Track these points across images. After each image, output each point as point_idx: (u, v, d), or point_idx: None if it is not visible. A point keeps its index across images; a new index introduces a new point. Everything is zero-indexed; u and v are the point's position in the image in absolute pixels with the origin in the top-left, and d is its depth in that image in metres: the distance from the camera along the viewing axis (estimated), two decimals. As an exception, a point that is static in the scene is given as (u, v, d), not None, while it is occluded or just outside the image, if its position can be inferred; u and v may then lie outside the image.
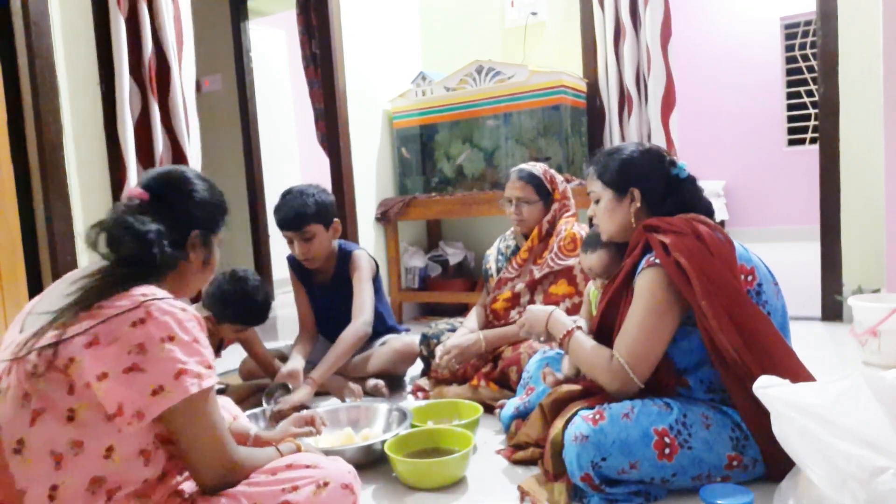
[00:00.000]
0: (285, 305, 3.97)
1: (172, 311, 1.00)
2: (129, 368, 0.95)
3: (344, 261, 2.43)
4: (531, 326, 1.69)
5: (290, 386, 2.09)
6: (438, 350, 2.22)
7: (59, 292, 1.06)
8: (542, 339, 1.70)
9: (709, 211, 1.60)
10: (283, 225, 2.29)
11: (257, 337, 2.27)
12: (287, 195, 2.31)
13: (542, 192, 2.29)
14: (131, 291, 1.01)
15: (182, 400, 0.97)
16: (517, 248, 2.40)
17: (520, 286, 2.30)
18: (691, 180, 1.61)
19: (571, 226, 2.29)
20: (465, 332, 2.33)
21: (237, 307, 1.98)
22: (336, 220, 2.37)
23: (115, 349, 0.96)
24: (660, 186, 1.58)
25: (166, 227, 1.09)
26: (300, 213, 2.25)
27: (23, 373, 0.97)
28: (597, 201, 1.65)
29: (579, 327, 1.60)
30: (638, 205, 1.58)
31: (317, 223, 2.28)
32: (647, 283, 1.45)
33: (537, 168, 2.32)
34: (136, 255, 1.05)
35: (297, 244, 2.30)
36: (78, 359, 0.95)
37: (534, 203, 2.28)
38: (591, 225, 1.81)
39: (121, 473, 0.98)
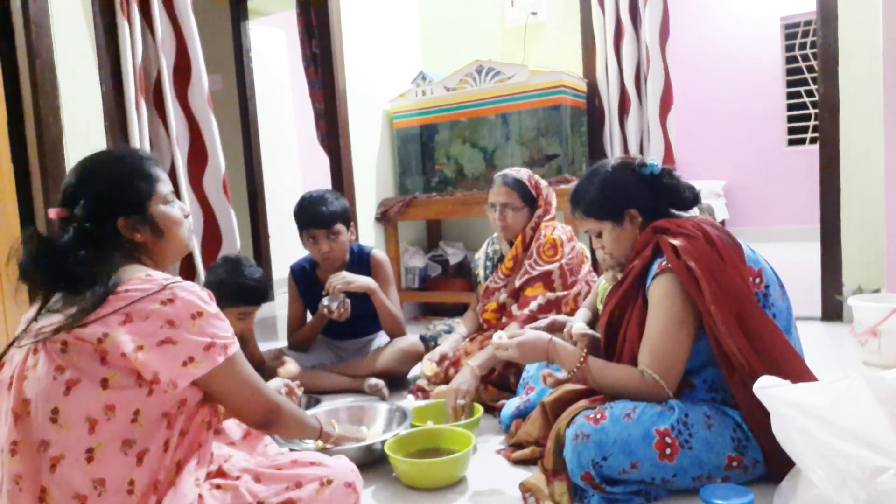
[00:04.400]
0: (285, 305, 3.95)
1: (194, 289, 1.09)
2: (162, 342, 1.03)
3: (360, 260, 2.49)
4: (529, 356, 1.57)
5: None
6: (426, 362, 2.23)
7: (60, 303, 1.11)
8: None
9: (695, 195, 1.61)
10: (314, 222, 2.35)
11: (253, 336, 2.29)
12: (310, 197, 2.38)
13: (527, 197, 2.28)
14: (152, 275, 1.08)
15: (212, 369, 1.06)
16: (503, 256, 2.40)
17: (503, 297, 2.31)
18: (667, 172, 1.60)
19: (552, 230, 2.28)
20: (457, 339, 2.37)
21: (235, 287, 1.99)
22: (352, 223, 2.46)
23: (148, 325, 1.03)
24: (646, 193, 1.58)
25: (90, 230, 1.11)
26: (331, 210, 2.34)
27: (53, 350, 1.03)
28: (598, 234, 1.63)
29: (585, 350, 1.56)
30: (639, 220, 1.58)
31: (342, 223, 2.37)
32: (663, 291, 1.44)
33: (522, 174, 2.31)
34: (69, 275, 1.08)
35: (322, 242, 2.35)
36: (112, 334, 1.02)
37: (519, 209, 2.27)
38: (593, 256, 1.78)
39: (146, 436, 1.04)
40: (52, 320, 1.05)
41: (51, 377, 1.02)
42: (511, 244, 2.34)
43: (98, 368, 1.02)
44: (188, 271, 2.54)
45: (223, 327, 1.10)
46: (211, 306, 1.10)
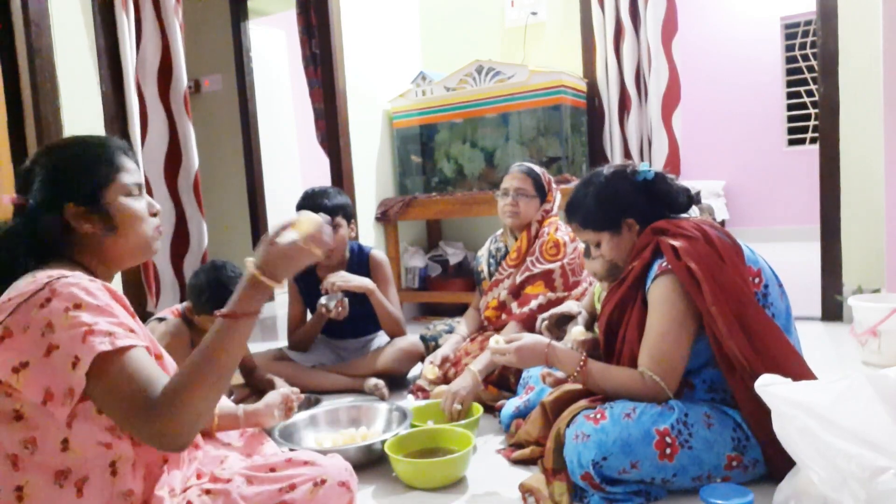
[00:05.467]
0: (285, 305, 3.94)
1: (78, 282, 0.94)
2: (48, 350, 0.89)
3: (360, 260, 2.49)
4: (528, 360, 1.56)
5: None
6: (427, 366, 2.22)
7: None
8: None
9: (689, 198, 1.61)
10: (316, 212, 2.31)
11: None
12: (313, 191, 2.41)
13: (539, 189, 2.32)
14: (36, 276, 0.95)
15: (93, 360, 0.88)
16: (506, 251, 2.41)
17: (503, 294, 2.31)
18: (660, 177, 1.61)
19: (555, 229, 2.30)
20: (457, 339, 2.36)
21: (212, 296, 1.98)
22: (353, 221, 2.46)
23: (29, 336, 0.90)
24: (641, 200, 1.58)
25: (35, 217, 1.02)
26: (333, 203, 2.35)
27: None
28: (597, 244, 1.62)
29: (584, 354, 1.55)
30: (637, 227, 1.58)
31: (343, 217, 2.38)
32: (664, 292, 1.44)
33: (536, 167, 2.36)
34: None
35: None
36: None
37: (531, 197, 2.30)
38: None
39: (83, 463, 0.94)
40: None
41: None
42: (515, 238, 2.35)
43: (4, 401, 0.91)
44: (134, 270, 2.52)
45: (108, 321, 0.92)
46: (97, 298, 0.93)
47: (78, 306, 0.91)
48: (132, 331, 0.95)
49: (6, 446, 0.92)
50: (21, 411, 0.92)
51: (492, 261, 2.46)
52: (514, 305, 2.28)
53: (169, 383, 0.91)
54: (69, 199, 1.03)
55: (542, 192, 2.33)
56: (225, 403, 1.56)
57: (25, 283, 0.94)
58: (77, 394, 0.89)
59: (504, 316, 2.31)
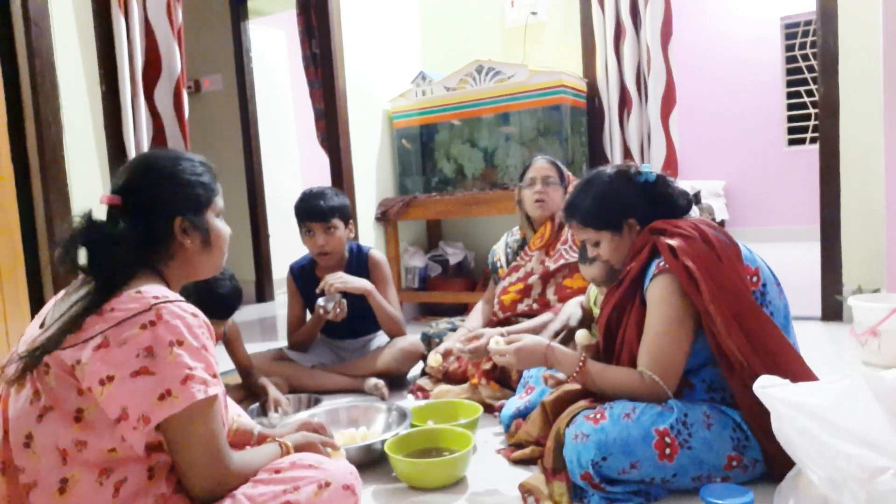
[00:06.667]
0: (286, 305, 3.93)
1: (183, 315, 1.01)
2: (137, 372, 0.96)
3: (359, 260, 2.49)
4: (527, 362, 1.56)
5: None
6: (432, 356, 2.21)
7: (74, 294, 1.07)
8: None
9: (688, 202, 1.61)
10: (311, 215, 2.36)
11: (241, 340, 2.26)
12: (310, 192, 2.41)
13: (562, 177, 2.39)
14: (143, 293, 1.00)
15: (186, 406, 0.97)
16: (524, 242, 2.45)
17: (533, 278, 2.32)
18: (661, 179, 1.61)
19: None
20: (465, 333, 2.33)
21: (198, 297, 1.96)
22: (351, 221, 2.46)
23: (123, 351, 0.96)
24: (642, 201, 1.58)
25: (142, 225, 1.08)
26: (329, 204, 2.35)
27: (38, 369, 0.99)
28: (596, 244, 1.63)
29: (583, 355, 1.55)
30: (638, 228, 1.58)
31: (340, 218, 2.39)
32: (661, 291, 1.44)
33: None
34: (103, 266, 1.03)
35: (318, 236, 2.36)
36: (84, 361, 0.96)
37: (557, 185, 2.36)
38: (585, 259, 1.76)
39: (125, 465, 1.00)
40: (48, 333, 1.00)
41: (29, 400, 0.98)
42: (535, 231, 2.39)
43: (73, 398, 0.97)
44: None
45: (202, 366, 1.00)
46: (197, 339, 1.01)
47: (180, 343, 0.98)
48: (216, 375, 1.03)
49: (59, 441, 0.96)
50: (83, 413, 0.97)
51: (509, 251, 2.51)
52: (549, 292, 2.29)
53: (241, 467, 1.07)
54: (180, 213, 1.11)
55: (563, 181, 2.39)
56: (245, 421, 1.51)
57: (129, 298, 1.00)
58: (152, 423, 0.96)
59: (533, 304, 2.31)
